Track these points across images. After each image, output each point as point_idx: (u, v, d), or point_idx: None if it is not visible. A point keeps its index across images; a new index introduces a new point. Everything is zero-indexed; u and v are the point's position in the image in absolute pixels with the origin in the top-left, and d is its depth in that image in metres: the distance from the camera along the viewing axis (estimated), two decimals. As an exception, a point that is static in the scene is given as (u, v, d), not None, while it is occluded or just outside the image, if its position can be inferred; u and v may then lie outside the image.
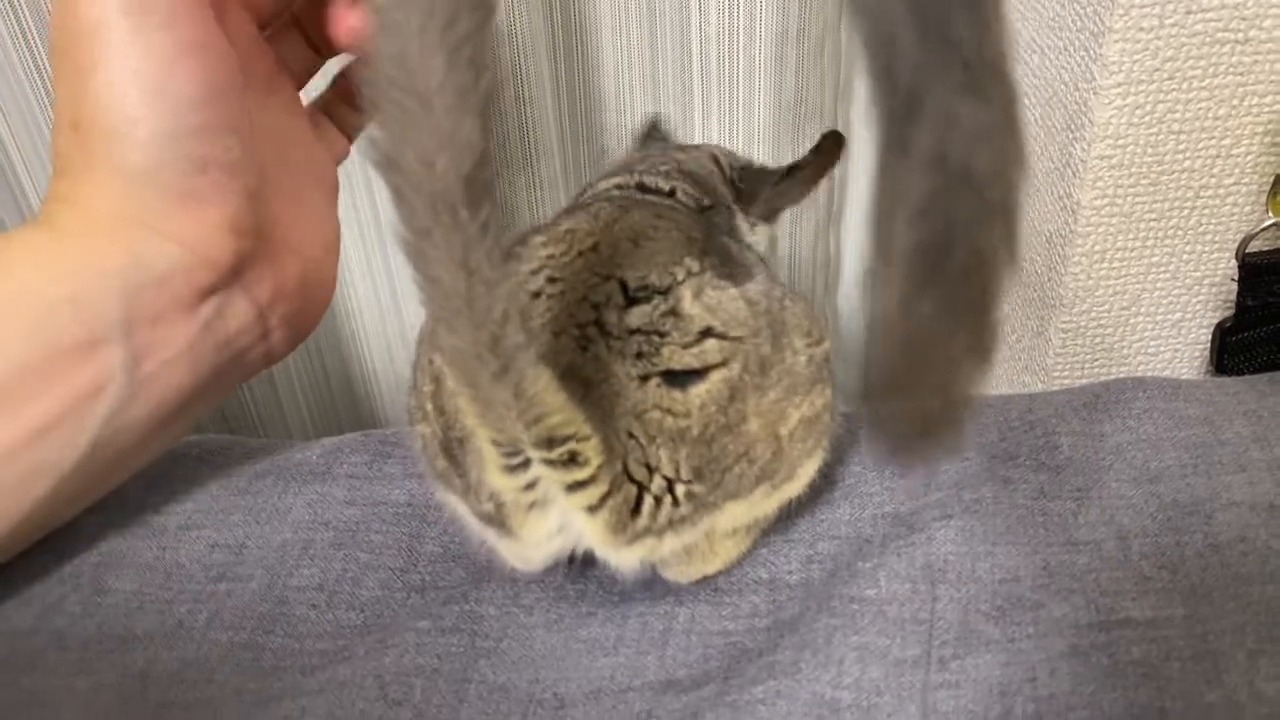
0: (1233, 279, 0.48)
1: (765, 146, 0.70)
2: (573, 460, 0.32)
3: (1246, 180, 0.47)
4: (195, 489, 0.43)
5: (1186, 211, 0.48)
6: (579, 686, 0.34)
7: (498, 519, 0.35)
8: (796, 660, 0.33)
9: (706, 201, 0.47)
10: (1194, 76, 0.44)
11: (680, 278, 0.36)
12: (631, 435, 0.33)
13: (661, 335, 0.34)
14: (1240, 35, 0.43)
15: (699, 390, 0.34)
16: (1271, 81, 0.44)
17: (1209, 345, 0.51)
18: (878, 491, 0.40)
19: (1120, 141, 0.46)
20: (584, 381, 0.34)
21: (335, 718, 0.33)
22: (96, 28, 0.35)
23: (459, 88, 0.25)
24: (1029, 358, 0.55)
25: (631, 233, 0.38)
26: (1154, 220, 0.48)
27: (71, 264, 0.37)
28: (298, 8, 0.45)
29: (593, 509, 0.33)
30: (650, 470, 0.33)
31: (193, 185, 0.37)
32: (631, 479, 0.33)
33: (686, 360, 0.34)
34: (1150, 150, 0.46)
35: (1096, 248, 0.49)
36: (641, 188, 0.45)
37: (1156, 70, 0.44)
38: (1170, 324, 0.51)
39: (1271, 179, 0.47)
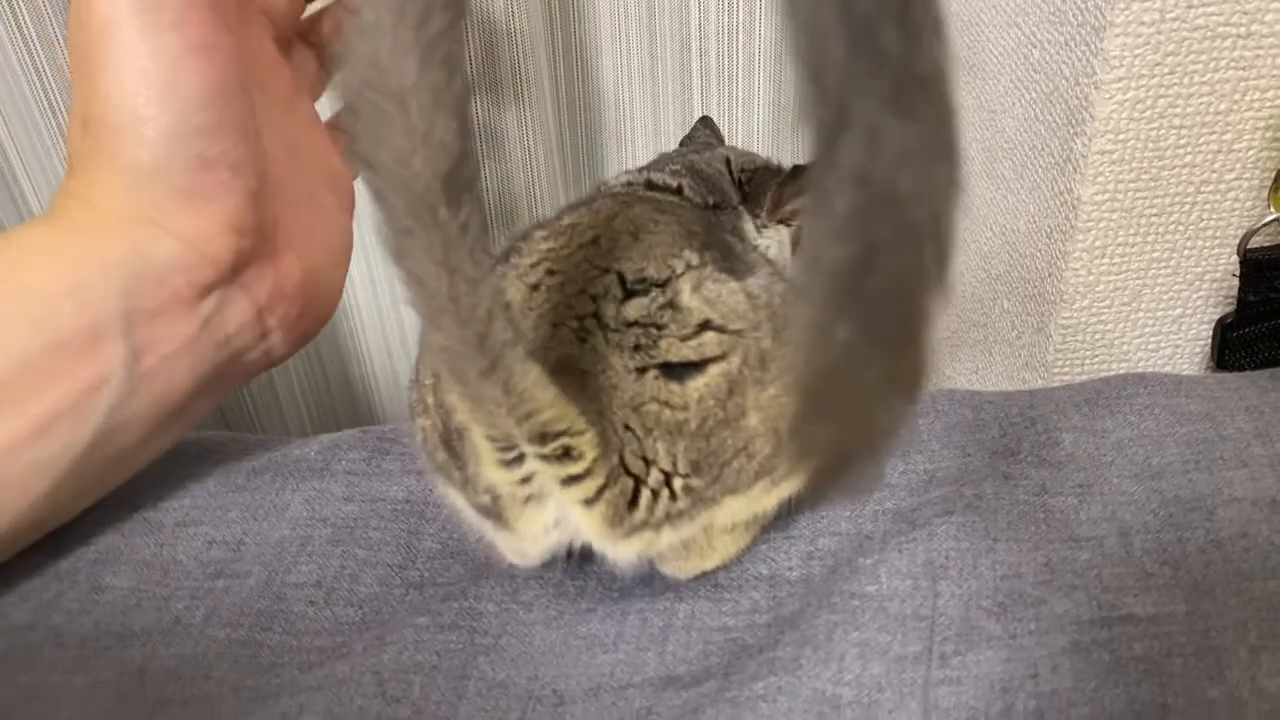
0: (1234, 274, 0.48)
1: (765, 145, 0.70)
2: (567, 454, 0.32)
3: (1248, 175, 0.47)
4: (193, 485, 0.43)
5: (1188, 207, 0.48)
6: (578, 683, 0.34)
7: (494, 512, 0.35)
8: (797, 656, 0.33)
9: (713, 200, 0.47)
10: (1195, 71, 0.44)
11: (679, 270, 0.36)
12: (628, 428, 0.33)
13: (659, 328, 0.34)
14: (1242, 30, 0.43)
15: (697, 383, 0.34)
16: (1273, 76, 0.44)
17: (1210, 341, 0.51)
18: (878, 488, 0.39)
19: (1121, 136, 0.46)
20: (582, 373, 0.33)
21: (333, 715, 0.33)
22: (108, 25, 0.36)
23: (433, 87, 0.25)
24: (1029, 354, 0.55)
25: (631, 226, 0.37)
26: (1155, 216, 0.48)
27: (74, 258, 0.37)
28: (304, 26, 0.45)
29: (589, 502, 0.33)
30: (647, 463, 0.33)
31: (197, 183, 0.38)
32: (628, 472, 0.33)
33: (684, 353, 0.34)
34: (1151, 145, 0.46)
35: (1097, 243, 0.49)
36: (649, 185, 0.46)
37: (1158, 65, 0.44)
38: (1171, 320, 0.51)
39: (1273, 174, 0.46)
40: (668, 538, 0.35)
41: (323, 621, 0.38)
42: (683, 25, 0.65)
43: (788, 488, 0.36)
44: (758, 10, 0.65)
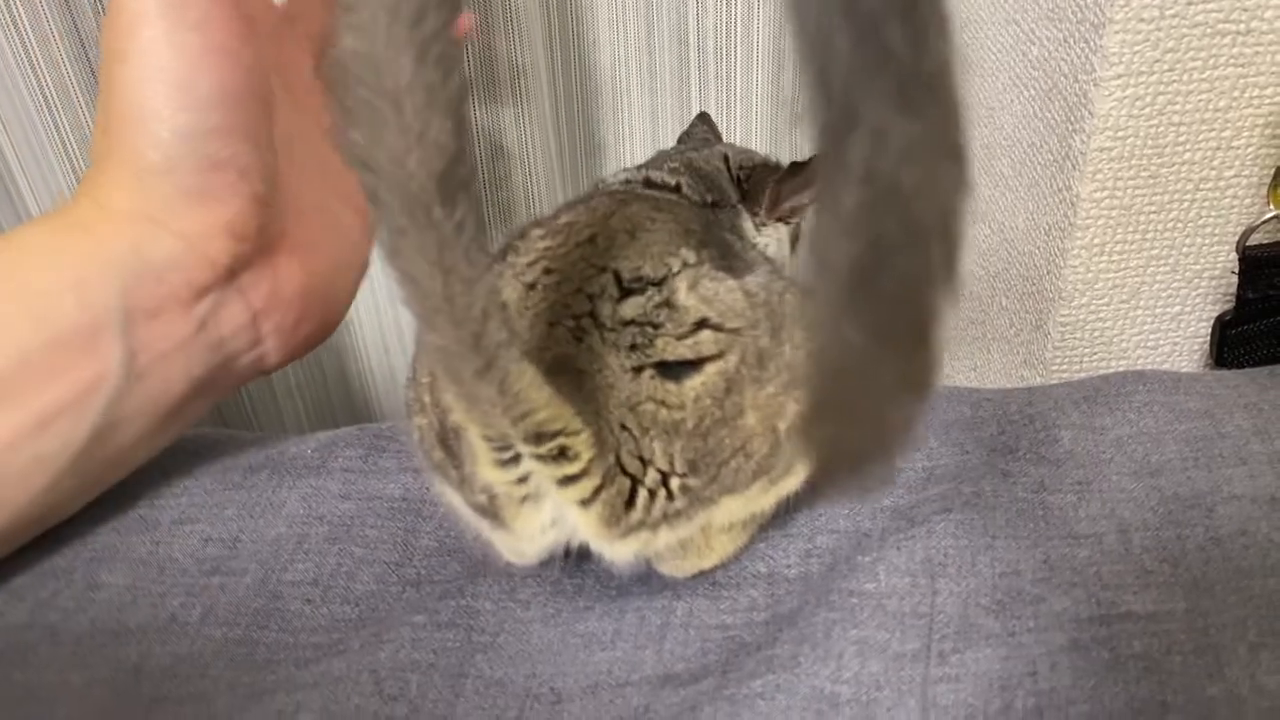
0: (1233, 272, 0.48)
1: (763, 142, 0.70)
2: (563, 455, 0.32)
3: (1247, 173, 0.47)
4: (189, 483, 0.43)
5: (1187, 204, 0.48)
6: (576, 681, 0.34)
7: (491, 511, 0.34)
8: (795, 654, 0.33)
9: (711, 198, 0.46)
10: (1194, 68, 0.44)
11: (675, 269, 0.35)
12: (625, 427, 0.33)
13: (655, 326, 0.34)
14: (1241, 27, 0.43)
15: (694, 382, 0.34)
16: (1272, 73, 0.44)
17: (1209, 338, 0.51)
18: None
19: (1120, 134, 0.46)
20: (578, 373, 0.33)
21: (330, 713, 0.33)
22: (133, 23, 0.37)
23: (428, 86, 0.24)
24: (1028, 351, 0.55)
25: (628, 224, 0.37)
26: (1154, 213, 0.48)
27: (76, 254, 0.38)
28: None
29: (585, 502, 0.33)
30: (644, 463, 0.33)
31: (203, 184, 0.38)
32: (625, 472, 0.33)
33: (680, 351, 0.34)
34: (1150, 143, 0.46)
35: (1096, 240, 0.49)
36: (647, 182, 0.45)
37: (1157, 62, 0.44)
38: (1170, 317, 0.51)
39: (1272, 171, 0.46)
40: (665, 537, 0.34)
41: (319, 619, 0.38)
42: (680, 22, 0.65)
43: (785, 487, 0.36)
44: (755, 6, 0.65)
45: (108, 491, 0.41)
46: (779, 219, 0.49)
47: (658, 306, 0.34)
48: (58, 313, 0.37)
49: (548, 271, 0.36)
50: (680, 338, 0.34)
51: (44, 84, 0.59)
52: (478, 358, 0.28)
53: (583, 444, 0.32)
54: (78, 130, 0.60)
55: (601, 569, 0.37)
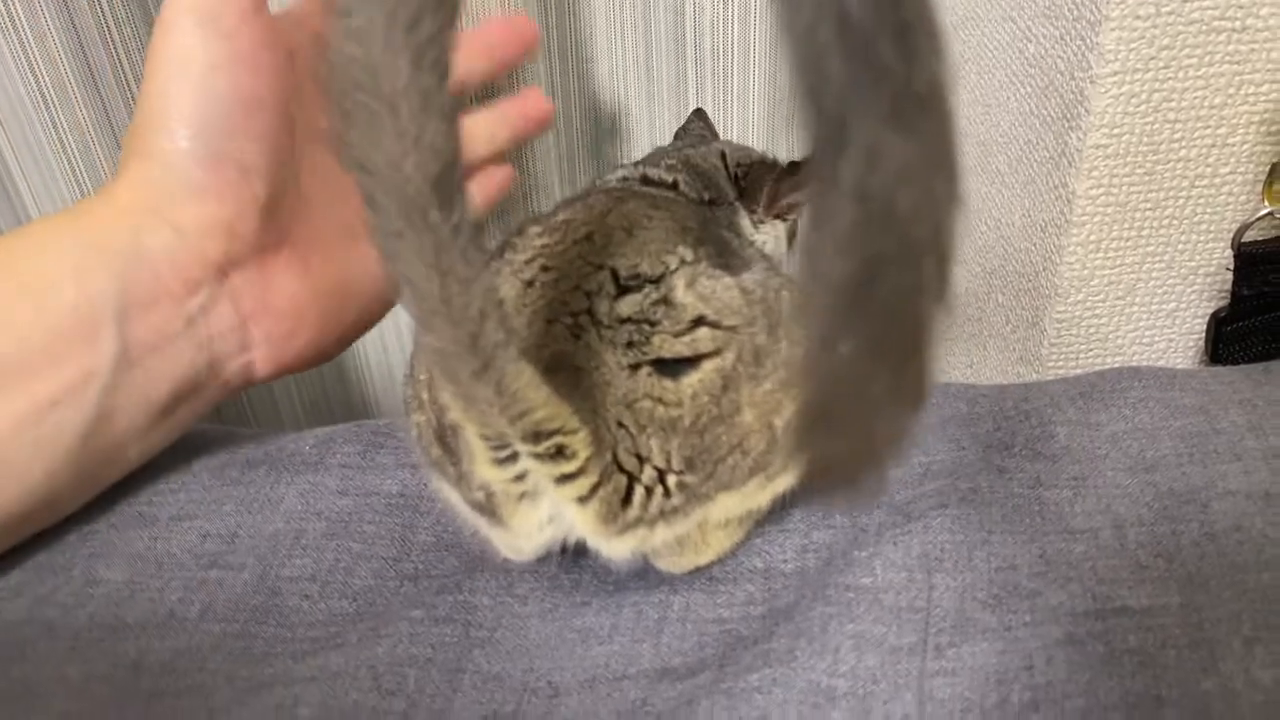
0: (1228, 268, 0.48)
1: (760, 139, 0.70)
2: (560, 453, 0.32)
3: (1242, 169, 0.47)
4: (187, 479, 0.43)
5: (1182, 201, 0.48)
6: (573, 675, 0.34)
7: (489, 509, 0.35)
8: (792, 648, 0.33)
9: (709, 195, 0.47)
10: (1190, 65, 0.44)
11: (673, 266, 0.35)
12: (622, 425, 0.33)
13: (652, 324, 0.34)
14: (1237, 23, 0.43)
15: (691, 380, 0.34)
16: (1268, 70, 0.44)
17: (1204, 335, 0.51)
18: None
19: (1116, 130, 0.46)
20: (575, 370, 0.33)
21: (328, 707, 0.33)
22: (168, 27, 0.39)
23: (423, 91, 0.25)
24: (1024, 348, 0.55)
25: (625, 222, 0.37)
26: (1149, 210, 0.48)
27: (78, 243, 0.39)
28: None
29: (583, 500, 0.33)
30: (641, 460, 0.33)
31: (203, 178, 0.40)
32: (622, 469, 0.33)
33: (677, 349, 0.34)
34: (1146, 139, 0.46)
35: (1092, 237, 0.49)
36: (645, 180, 0.46)
37: (1153, 59, 0.44)
38: (1165, 313, 0.51)
39: (1267, 168, 0.46)
40: (662, 534, 0.35)
41: (317, 614, 0.38)
42: (677, 17, 0.65)
43: (782, 483, 0.36)
44: (753, 5, 0.65)
45: (105, 488, 0.41)
46: (776, 215, 0.49)
47: (655, 304, 0.34)
48: (58, 301, 0.38)
49: (545, 269, 0.36)
50: (677, 335, 0.34)
51: (41, 81, 0.59)
52: (475, 358, 0.28)
53: (580, 442, 0.32)
54: (75, 128, 0.60)
55: (599, 564, 0.37)
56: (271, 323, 0.43)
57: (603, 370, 0.34)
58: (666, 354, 0.34)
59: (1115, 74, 0.44)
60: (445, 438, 0.35)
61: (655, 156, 0.50)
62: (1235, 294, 0.47)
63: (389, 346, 0.78)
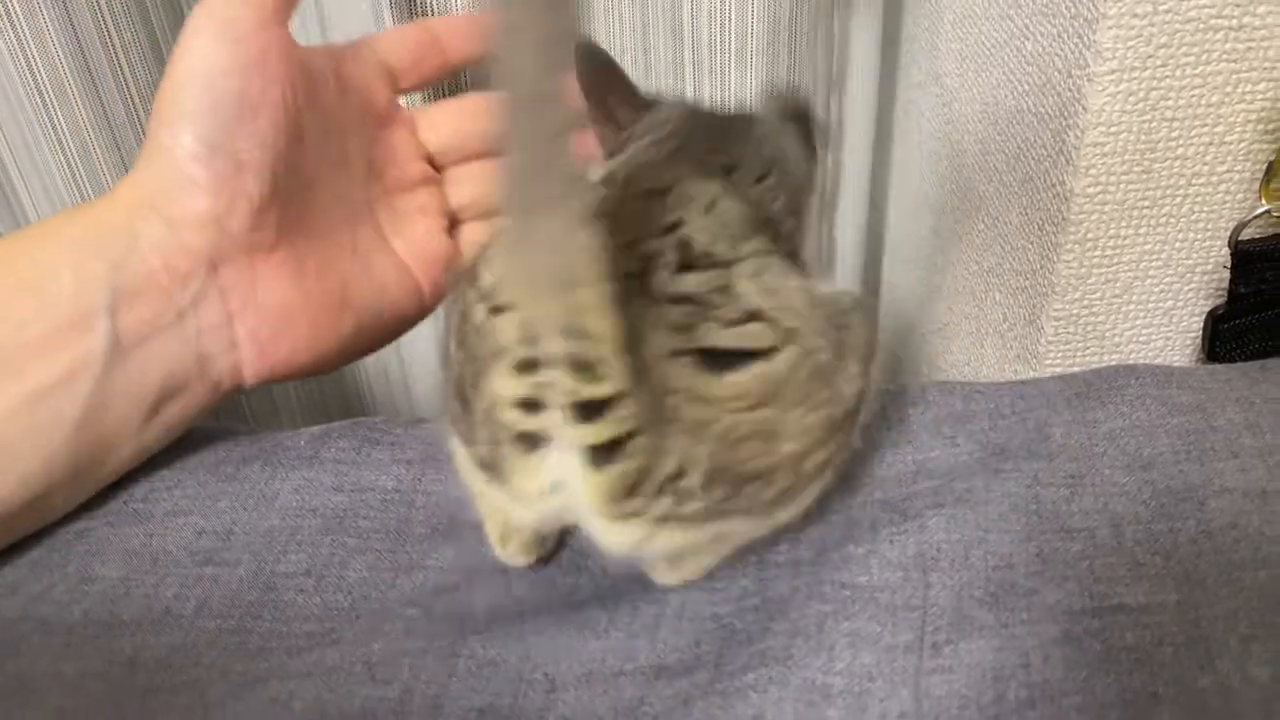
0: (1225, 267, 0.48)
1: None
2: (591, 370, 0.28)
3: (1239, 168, 0.47)
4: (182, 475, 0.43)
5: (1179, 199, 0.48)
6: (570, 669, 0.34)
7: (493, 463, 0.32)
8: (788, 647, 0.33)
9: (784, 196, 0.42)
10: (1187, 63, 0.44)
11: (745, 253, 0.33)
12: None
13: (706, 308, 0.32)
14: (1234, 22, 0.43)
15: (735, 379, 0.31)
16: (1264, 68, 0.44)
17: (1201, 333, 0.51)
18: (863, 475, 0.39)
19: (1113, 129, 0.46)
20: None
21: (323, 700, 0.33)
22: (188, 34, 0.41)
23: None
24: (1021, 345, 0.55)
25: (708, 193, 0.35)
26: (1147, 208, 0.48)
27: (75, 233, 0.40)
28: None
29: (597, 460, 0.30)
30: (663, 452, 0.31)
31: (198, 171, 0.40)
32: (644, 449, 0.30)
33: (726, 339, 0.31)
34: (1143, 138, 0.46)
35: (1089, 235, 0.49)
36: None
37: (1150, 57, 0.44)
38: (1162, 311, 0.51)
39: (1264, 166, 0.46)
40: (665, 539, 0.32)
41: (312, 608, 0.38)
42: (674, 13, 0.65)
43: (782, 518, 0.35)
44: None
45: (101, 484, 0.41)
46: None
47: (715, 290, 0.32)
48: (55, 289, 0.38)
49: (598, 215, 0.32)
50: (729, 324, 0.32)
51: (39, 79, 0.59)
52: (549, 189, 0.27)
53: (613, 367, 0.29)
54: (73, 125, 0.60)
55: (596, 566, 0.37)
56: (257, 321, 0.43)
57: (641, 350, 0.30)
58: (714, 344, 0.31)
59: (1112, 72, 0.44)
60: (464, 390, 0.33)
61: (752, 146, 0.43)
62: (1232, 292, 0.47)
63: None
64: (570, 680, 0.34)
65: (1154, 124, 0.46)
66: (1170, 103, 0.45)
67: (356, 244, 0.47)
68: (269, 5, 0.42)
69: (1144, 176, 0.47)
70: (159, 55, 0.61)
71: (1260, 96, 0.45)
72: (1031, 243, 0.52)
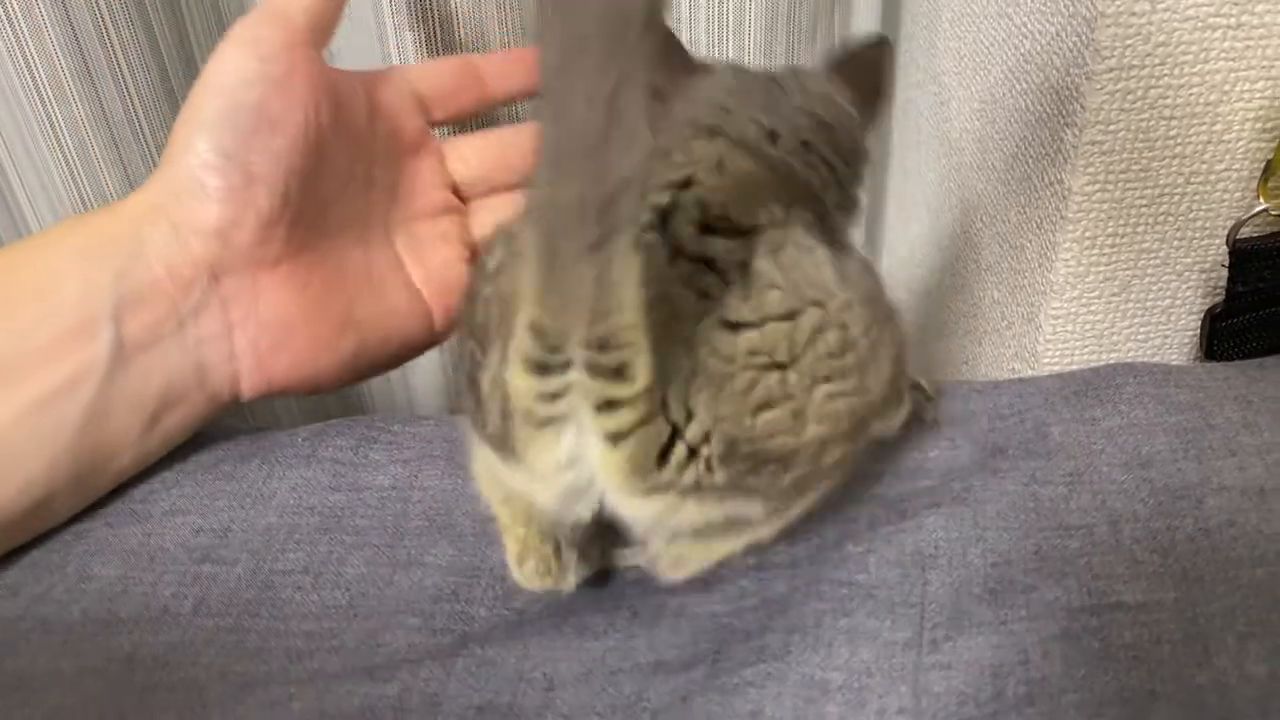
0: (1223, 265, 0.48)
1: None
2: (619, 374, 0.28)
3: (1238, 166, 0.47)
4: (180, 474, 0.43)
5: (1177, 198, 0.48)
6: (568, 667, 0.34)
7: (503, 439, 0.31)
8: (786, 643, 0.33)
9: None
10: (1186, 62, 0.44)
11: (763, 222, 0.33)
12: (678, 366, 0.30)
13: (726, 282, 0.31)
14: (1232, 21, 0.43)
15: (749, 335, 0.30)
16: (1263, 67, 0.44)
17: (1199, 331, 0.51)
18: (861, 474, 0.39)
19: (1112, 127, 0.46)
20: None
21: (322, 699, 0.33)
22: (223, 45, 0.42)
23: None
24: (1019, 344, 0.55)
25: (732, 159, 0.34)
26: (1145, 206, 0.48)
27: (83, 238, 0.41)
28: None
29: (619, 437, 0.29)
30: (689, 414, 0.29)
31: (209, 179, 0.41)
32: (668, 418, 0.29)
33: (743, 313, 0.31)
34: (1141, 136, 0.46)
35: (1087, 234, 0.49)
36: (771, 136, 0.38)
37: (1148, 55, 0.44)
38: (1160, 310, 0.51)
39: (1263, 165, 0.46)
40: (690, 513, 0.31)
41: (310, 606, 0.38)
42: (672, 11, 0.65)
43: (792, 514, 0.35)
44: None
45: (99, 483, 0.41)
46: None
47: (735, 265, 0.31)
48: (59, 296, 0.39)
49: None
50: (744, 299, 0.31)
51: (37, 76, 0.59)
52: (596, 226, 0.25)
53: (643, 367, 0.28)
54: (71, 123, 0.60)
55: (594, 571, 0.37)
56: (257, 332, 0.43)
57: (669, 300, 0.29)
58: (729, 317, 0.31)
59: (1111, 70, 0.44)
60: (475, 375, 0.32)
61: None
62: (1230, 290, 0.47)
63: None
64: (569, 678, 0.34)
65: (1152, 122, 0.46)
66: (1169, 101, 0.45)
67: (370, 266, 0.48)
68: (300, 28, 0.43)
69: (1142, 175, 0.47)
70: (157, 54, 0.61)
71: (1258, 95, 0.45)
72: (1030, 241, 0.52)
